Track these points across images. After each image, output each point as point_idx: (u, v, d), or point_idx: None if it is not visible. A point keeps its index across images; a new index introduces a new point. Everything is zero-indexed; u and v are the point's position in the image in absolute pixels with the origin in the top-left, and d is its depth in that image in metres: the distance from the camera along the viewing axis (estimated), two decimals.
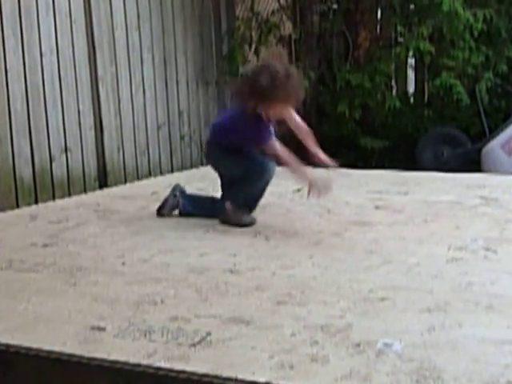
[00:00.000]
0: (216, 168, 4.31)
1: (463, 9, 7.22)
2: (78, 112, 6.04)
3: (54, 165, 5.79)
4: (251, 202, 4.21)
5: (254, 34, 8.00)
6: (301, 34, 8.34)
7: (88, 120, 6.16)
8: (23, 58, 5.55)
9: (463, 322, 2.52)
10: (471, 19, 7.29)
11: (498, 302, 2.72)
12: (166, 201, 4.42)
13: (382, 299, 2.78)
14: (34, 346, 2.40)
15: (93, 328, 2.55)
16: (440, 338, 2.38)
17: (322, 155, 4.11)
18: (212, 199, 4.41)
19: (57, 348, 2.37)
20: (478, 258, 3.35)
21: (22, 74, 5.55)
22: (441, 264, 3.26)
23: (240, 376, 2.12)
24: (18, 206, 5.34)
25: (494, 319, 2.55)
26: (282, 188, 4.81)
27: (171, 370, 2.19)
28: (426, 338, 2.39)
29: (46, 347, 2.38)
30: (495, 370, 2.12)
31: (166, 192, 4.44)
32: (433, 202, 4.56)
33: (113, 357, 2.29)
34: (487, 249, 3.49)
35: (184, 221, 4.25)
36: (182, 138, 7.33)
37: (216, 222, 4.17)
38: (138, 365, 2.24)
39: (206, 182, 5.58)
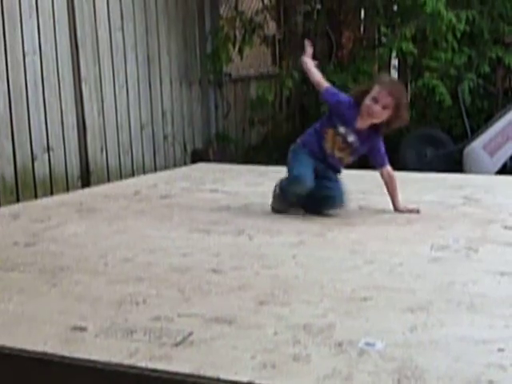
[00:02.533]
0: None
1: (446, 10, 7.25)
2: (61, 112, 6.02)
3: (36, 164, 5.77)
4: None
5: (237, 33, 8.01)
6: (285, 34, 8.35)
7: (71, 119, 6.14)
8: (6, 57, 5.53)
9: (445, 322, 2.53)
10: (454, 20, 7.32)
11: (479, 301, 2.73)
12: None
13: (365, 299, 2.78)
14: (15, 345, 2.39)
15: (74, 328, 2.53)
16: (422, 337, 2.39)
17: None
18: None
19: (38, 348, 2.35)
20: (460, 258, 3.36)
21: (5, 74, 5.53)
22: (423, 264, 3.27)
23: (222, 376, 2.12)
24: None
25: (475, 319, 2.56)
26: (266, 187, 4.80)
27: (153, 370, 2.18)
28: (408, 337, 2.39)
29: (27, 347, 2.36)
30: (477, 369, 2.13)
31: (149, 191, 4.41)
32: (415, 203, 4.57)
33: (94, 357, 2.28)
34: (469, 249, 3.50)
35: (167, 220, 4.24)
36: (165, 137, 7.32)
37: (200, 221, 4.17)
38: (120, 365, 2.23)
39: (189, 181, 5.58)
